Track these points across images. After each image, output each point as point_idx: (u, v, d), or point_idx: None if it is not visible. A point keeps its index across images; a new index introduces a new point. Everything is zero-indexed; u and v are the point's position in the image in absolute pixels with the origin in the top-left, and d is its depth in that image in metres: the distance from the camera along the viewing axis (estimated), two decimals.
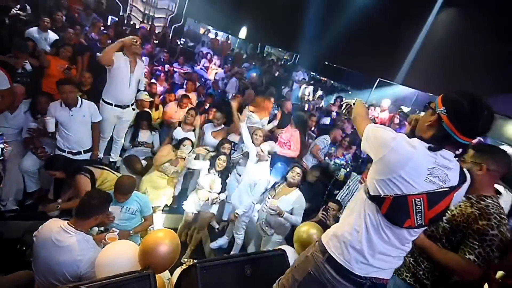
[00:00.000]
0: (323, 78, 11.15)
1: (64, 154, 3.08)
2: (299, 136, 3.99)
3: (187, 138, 3.64)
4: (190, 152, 3.52)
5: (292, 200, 2.96)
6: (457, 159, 1.19)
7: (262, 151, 3.25)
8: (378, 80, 8.17)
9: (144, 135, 3.99)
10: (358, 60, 7.89)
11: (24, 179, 3.15)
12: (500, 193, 1.60)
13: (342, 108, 1.72)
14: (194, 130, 4.13)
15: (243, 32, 12.13)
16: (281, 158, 3.88)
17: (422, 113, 1.36)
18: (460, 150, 1.19)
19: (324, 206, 2.62)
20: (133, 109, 3.82)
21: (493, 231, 1.44)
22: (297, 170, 3.00)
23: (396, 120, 5.72)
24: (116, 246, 1.92)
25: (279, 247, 2.14)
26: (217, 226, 3.98)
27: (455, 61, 6.00)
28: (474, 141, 1.31)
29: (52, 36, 4.74)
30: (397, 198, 1.15)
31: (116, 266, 1.67)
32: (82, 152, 3.22)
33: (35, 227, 2.66)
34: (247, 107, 4.29)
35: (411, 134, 1.28)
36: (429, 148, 1.15)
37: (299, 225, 2.39)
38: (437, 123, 1.17)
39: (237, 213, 3.24)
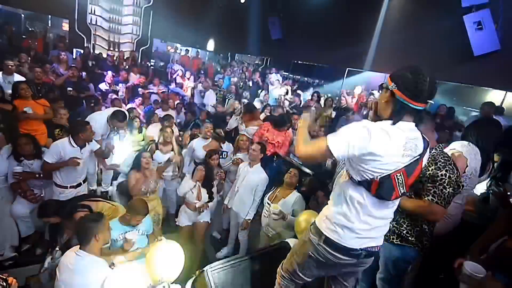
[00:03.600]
0: (296, 76, 11.43)
1: (65, 190, 3.14)
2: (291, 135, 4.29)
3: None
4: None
5: (292, 202, 2.97)
6: (417, 127, 1.34)
7: (254, 150, 3.32)
8: (347, 70, 8.50)
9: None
10: (325, 54, 8.17)
11: (17, 224, 3.09)
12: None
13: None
14: (172, 150, 3.89)
15: (211, 45, 12.32)
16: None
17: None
18: (417, 117, 1.33)
19: (313, 195, 2.75)
20: None
21: (441, 171, 1.71)
22: (294, 171, 3.08)
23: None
24: (122, 270, 1.94)
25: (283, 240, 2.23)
26: (219, 236, 4.03)
27: (415, 39, 6.35)
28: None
29: (18, 78, 4.60)
30: (382, 178, 1.29)
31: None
32: (82, 183, 3.31)
33: (35, 271, 2.63)
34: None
35: (375, 116, 1.42)
36: (392, 123, 1.30)
37: (298, 215, 2.48)
38: (391, 98, 1.32)
39: (249, 219, 3.32)
